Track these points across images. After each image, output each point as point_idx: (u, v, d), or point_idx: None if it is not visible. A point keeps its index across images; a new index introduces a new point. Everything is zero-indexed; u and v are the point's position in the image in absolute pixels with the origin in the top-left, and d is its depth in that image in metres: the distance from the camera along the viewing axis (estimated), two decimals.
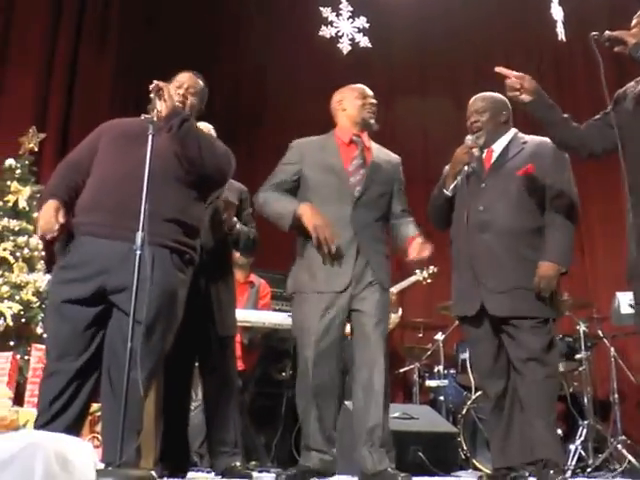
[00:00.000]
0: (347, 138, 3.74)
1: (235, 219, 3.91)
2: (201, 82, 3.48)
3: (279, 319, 5.17)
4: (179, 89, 3.35)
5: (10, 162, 5.86)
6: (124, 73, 7.66)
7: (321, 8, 6.43)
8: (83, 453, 1.58)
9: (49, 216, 3.00)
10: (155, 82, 3.08)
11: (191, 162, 3.10)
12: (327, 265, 3.52)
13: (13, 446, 1.44)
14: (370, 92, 3.83)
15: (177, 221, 3.04)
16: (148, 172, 2.82)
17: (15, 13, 6.82)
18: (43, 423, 2.88)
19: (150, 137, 2.88)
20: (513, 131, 3.83)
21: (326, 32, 6.38)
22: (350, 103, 3.80)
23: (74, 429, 2.89)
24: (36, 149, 6.06)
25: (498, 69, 3.21)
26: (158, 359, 2.98)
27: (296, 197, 3.68)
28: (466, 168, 3.69)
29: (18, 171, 5.85)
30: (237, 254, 5.36)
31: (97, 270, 2.91)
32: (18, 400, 4.65)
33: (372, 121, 3.77)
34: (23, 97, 6.68)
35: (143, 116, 3.17)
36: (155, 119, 2.98)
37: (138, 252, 2.71)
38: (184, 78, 3.41)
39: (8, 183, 5.78)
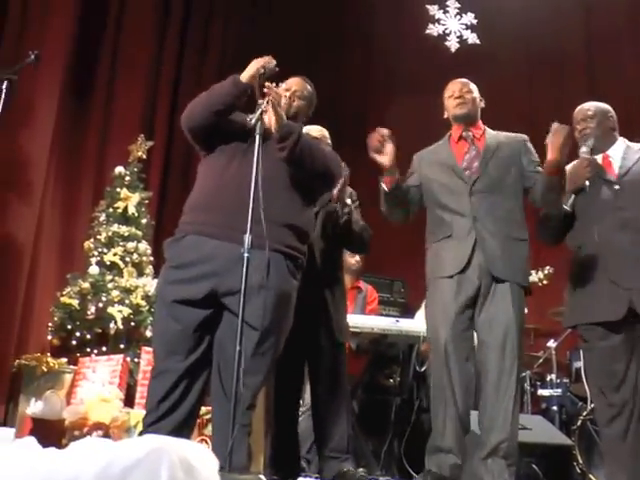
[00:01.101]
0: (457, 136, 3.75)
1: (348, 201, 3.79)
2: (310, 87, 3.46)
3: (387, 324, 4.99)
4: (286, 91, 3.32)
5: (120, 170, 6.05)
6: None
7: (428, 6, 6.30)
8: (206, 459, 1.55)
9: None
10: (265, 102, 3.00)
11: (302, 173, 3.08)
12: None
13: (138, 451, 1.42)
14: (452, 85, 3.79)
15: (290, 226, 3.01)
16: (259, 176, 2.78)
17: (123, 24, 6.99)
18: (151, 422, 2.87)
19: (257, 137, 2.86)
20: (623, 139, 3.79)
21: (433, 30, 6.26)
22: (445, 105, 3.83)
23: (183, 430, 2.87)
24: (144, 157, 6.24)
25: None
26: (270, 364, 2.95)
27: (422, 203, 3.76)
28: (587, 183, 3.55)
29: (127, 178, 6.02)
30: (349, 259, 5.32)
31: (209, 272, 2.89)
32: (129, 402, 4.74)
33: (460, 111, 3.71)
34: (132, 107, 6.85)
35: (249, 117, 3.07)
36: (256, 121, 2.93)
37: (246, 255, 2.68)
38: (292, 82, 3.40)
39: (118, 190, 5.95)
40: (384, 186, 3.57)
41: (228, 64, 7.69)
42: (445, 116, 3.84)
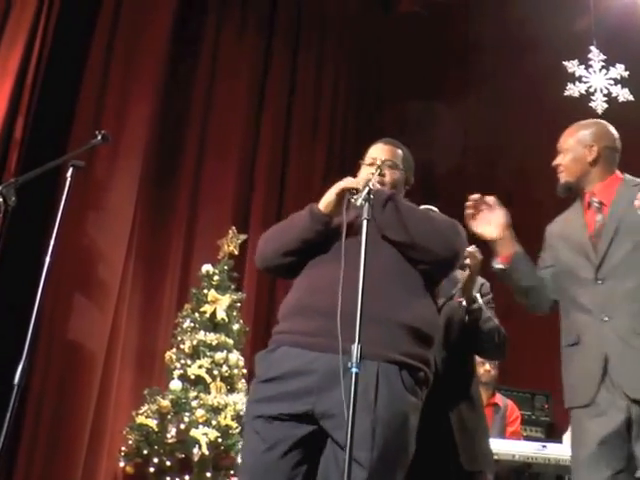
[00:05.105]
0: (586, 202, 3.07)
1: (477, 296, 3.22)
2: (400, 151, 3.05)
3: (532, 450, 4.46)
4: (372, 165, 2.95)
5: (207, 268, 5.88)
6: (337, 165, 7.42)
7: (565, 63, 5.66)
8: None
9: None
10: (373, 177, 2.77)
11: (409, 248, 2.70)
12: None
13: None
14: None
15: (408, 327, 2.59)
16: (364, 268, 2.43)
17: (213, 105, 6.86)
18: None
19: (364, 223, 2.55)
20: None
21: (574, 90, 5.57)
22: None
23: None
24: (236, 252, 6.06)
25: None
26: None
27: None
28: None
29: (216, 277, 5.85)
30: (477, 369, 4.73)
31: (304, 389, 2.52)
32: None
33: (560, 185, 3.08)
34: (222, 195, 6.71)
35: (353, 198, 2.81)
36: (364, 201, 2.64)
37: (354, 370, 2.30)
38: (377, 151, 3.03)
39: (205, 292, 5.77)
40: (499, 265, 3.05)
41: (336, 142, 7.66)
42: None
